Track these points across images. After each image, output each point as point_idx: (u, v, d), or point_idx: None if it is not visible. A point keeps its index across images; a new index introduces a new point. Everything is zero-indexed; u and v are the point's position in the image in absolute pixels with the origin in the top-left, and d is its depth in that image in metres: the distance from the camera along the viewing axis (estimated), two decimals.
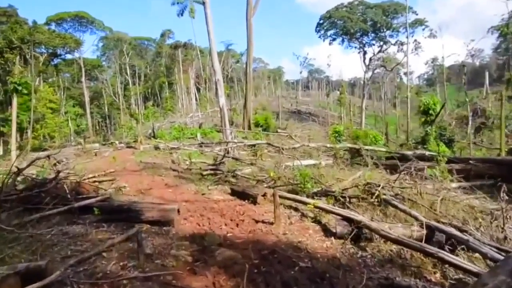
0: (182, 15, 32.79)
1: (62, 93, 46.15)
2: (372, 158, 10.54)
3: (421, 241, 4.26)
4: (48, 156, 5.47)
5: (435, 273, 3.78)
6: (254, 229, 5.07)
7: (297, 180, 8.04)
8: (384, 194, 6.28)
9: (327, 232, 4.98)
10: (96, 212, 5.20)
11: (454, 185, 8.55)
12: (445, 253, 3.55)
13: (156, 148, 18.95)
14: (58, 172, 5.56)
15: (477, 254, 4.22)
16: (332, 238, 4.65)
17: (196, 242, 4.37)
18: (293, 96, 78.78)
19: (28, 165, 5.67)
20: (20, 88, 15.10)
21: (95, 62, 56.44)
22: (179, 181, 9.56)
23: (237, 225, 5.29)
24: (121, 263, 3.50)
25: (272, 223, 5.27)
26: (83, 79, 48.68)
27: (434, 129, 20.40)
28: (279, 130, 28.88)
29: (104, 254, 3.77)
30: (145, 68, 62.94)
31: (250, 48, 28.71)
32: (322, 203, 5.80)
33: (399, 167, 10.04)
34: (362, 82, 64.48)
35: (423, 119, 20.51)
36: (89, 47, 78.35)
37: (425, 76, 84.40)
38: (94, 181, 7.43)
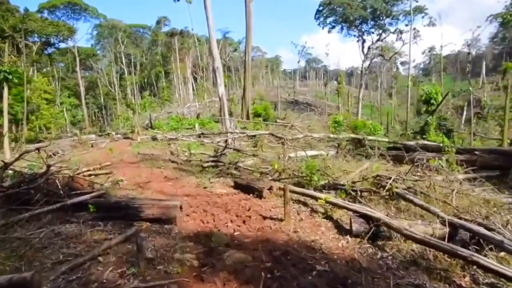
0: (178, 0, 31.77)
1: (57, 83, 45.18)
2: (379, 149, 10.20)
3: (443, 240, 3.94)
4: (38, 149, 5.04)
5: (464, 276, 3.46)
6: (262, 226, 4.73)
7: (302, 172, 7.70)
8: (397, 188, 5.97)
9: (340, 229, 4.65)
10: (92, 209, 4.82)
11: (460, 176, 8.24)
12: (481, 257, 3.21)
13: (154, 139, 18.51)
14: (49, 166, 5.13)
15: (502, 253, 3.93)
16: (348, 236, 4.32)
17: (202, 243, 4.02)
18: (291, 86, 78.01)
19: (16, 159, 5.24)
20: (10, 77, 14.43)
21: (90, 51, 55.06)
22: (179, 174, 9.21)
23: (244, 222, 4.94)
24: (119, 270, 3.15)
25: (281, 220, 4.93)
26: (77, 68, 47.50)
27: (434, 119, 20.11)
28: (278, 120, 28.46)
29: (100, 258, 3.42)
30: (141, 57, 61.61)
31: (249, 35, 27.87)
32: (332, 197, 5.47)
33: (405, 158, 9.81)
34: (359, 71, 63.79)
35: (424, 109, 20.14)
36: (83, 35, 76.44)
37: (421, 66, 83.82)
38: (90, 175, 7.03)
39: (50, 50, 42.86)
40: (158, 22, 58.13)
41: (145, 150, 14.20)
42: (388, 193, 6.03)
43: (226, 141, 11.78)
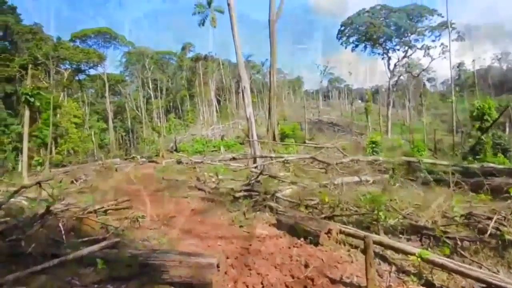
0: (203, 25, 32.06)
1: (86, 108, 46.58)
2: (453, 174, 8.45)
3: None
4: (39, 184, 3.98)
5: None
6: None
7: (360, 206, 6.20)
8: (509, 233, 4.33)
9: None
10: (100, 265, 3.59)
11: None
12: None
13: (179, 162, 17.64)
14: (48, 207, 4.02)
15: None
16: None
17: None
18: (314, 106, 76.91)
19: (10, 197, 4.17)
20: (32, 100, 14.22)
21: (119, 77, 57.05)
22: (207, 205, 7.96)
23: None
24: None
25: (360, 287, 3.43)
26: (106, 94, 49.00)
27: (489, 138, 17.93)
28: (307, 141, 26.97)
29: None
30: (167, 82, 63.06)
31: (274, 55, 27.15)
32: (424, 250, 3.91)
33: (484, 186, 8.01)
34: (384, 89, 61.78)
35: (477, 126, 18.01)
36: (113, 62, 79.76)
37: (449, 82, 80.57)
38: (105, 211, 5.88)
39: (81, 76, 44.54)
40: (183, 48, 59.75)
41: (170, 175, 13.27)
42: (493, 239, 4.42)
43: (260, 166, 10.45)
